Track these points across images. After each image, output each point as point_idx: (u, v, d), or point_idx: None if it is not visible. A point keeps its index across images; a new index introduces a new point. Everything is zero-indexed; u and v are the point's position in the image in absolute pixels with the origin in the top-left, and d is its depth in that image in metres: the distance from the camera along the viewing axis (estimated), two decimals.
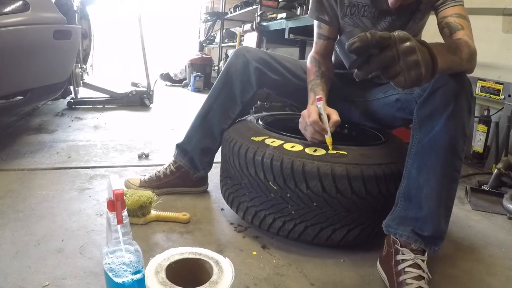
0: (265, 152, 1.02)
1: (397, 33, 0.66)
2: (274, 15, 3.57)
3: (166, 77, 5.38)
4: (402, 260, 0.90)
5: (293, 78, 1.27)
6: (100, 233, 1.08)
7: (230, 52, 5.55)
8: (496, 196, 1.59)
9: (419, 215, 0.90)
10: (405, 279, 0.86)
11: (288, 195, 1.00)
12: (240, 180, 1.10)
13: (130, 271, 0.62)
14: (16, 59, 1.63)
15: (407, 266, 0.88)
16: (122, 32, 5.99)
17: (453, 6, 1.02)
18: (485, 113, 2.05)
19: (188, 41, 6.66)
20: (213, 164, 1.38)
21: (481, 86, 2.03)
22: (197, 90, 4.77)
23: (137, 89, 3.37)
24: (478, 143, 2.07)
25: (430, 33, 1.23)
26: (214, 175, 1.44)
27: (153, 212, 1.18)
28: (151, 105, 3.31)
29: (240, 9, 4.34)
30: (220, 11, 5.19)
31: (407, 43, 0.65)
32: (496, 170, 1.66)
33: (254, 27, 3.74)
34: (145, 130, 2.41)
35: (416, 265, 0.88)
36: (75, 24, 2.29)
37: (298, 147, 1.01)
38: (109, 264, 0.63)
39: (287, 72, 1.27)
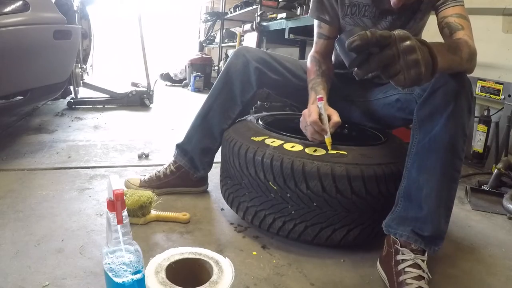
0: (265, 152, 1.02)
1: (397, 32, 0.66)
2: (274, 15, 3.57)
3: (166, 77, 5.38)
4: (402, 260, 0.90)
5: (293, 78, 1.27)
6: (100, 233, 1.08)
7: (230, 52, 5.55)
8: (496, 196, 1.59)
9: (419, 215, 0.90)
10: (405, 279, 0.86)
11: (288, 195, 1.00)
12: (240, 180, 1.10)
13: (130, 271, 0.62)
14: (16, 59, 1.63)
15: (407, 266, 0.88)
16: (122, 32, 5.99)
17: (453, 6, 1.02)
18: (485, 113, 2.05)
19: (188, 41, 6.66)
20: (213, 164, 1.38)
21: (481, 86, 2.03)
22: (197, 90, 4.77)
23: (137, 89, 3.37)
24: (478, 143, 2.07)
25: (430, 33, 1.23)
26: (214, 175, 1.44)
27: (153, 212, 1.18)
28: (151, 105, 3.31)
29: (240, 9, 4.34)
30: (220, 11, 5.19)
31: (407, 42, 0.65)
32: (496, 170, 1.66)
33: (254, 27, 3.74)
34: (145, 130, 2.41)
35: (416, 265, 0.88)
36: (75, 24, 2.30)
37: (298, 147, 1.01)
38: (109, 264, 0.63)
39: (287, 72, 1.27)
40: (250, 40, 3.90)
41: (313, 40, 1.27)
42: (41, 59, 1.78)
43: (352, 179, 0.95)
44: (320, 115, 1.02)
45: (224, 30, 5.26)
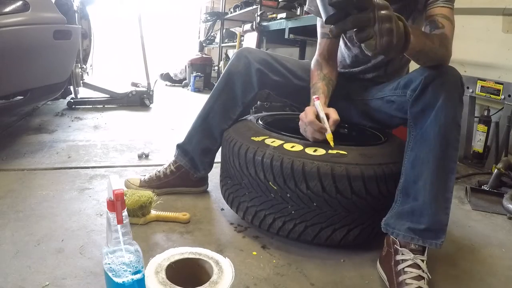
0: (265, 152, 1.02)
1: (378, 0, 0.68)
2: (274, 15, 3.57)
3: (166, 77, 5.38)
4: (402, 260, 0.90)
5: (294, 78, 1.28)
6: (100, 233, 1.08)
7: (230, 52, 5.57)
8: (496, 196, 1.59)
9: (415, 207, 0.91)
10: (405, 279, 0.86)
11: (288, 195, 1.00)
12: (240, 180, 1.10)
13: (130, 271, 0.62)
14: (16, 59, 1.63)
15: (407, 266, 0.88)
16: (122, 32, 5.99)
17: (441, 6, 1.03)
18: (485, 113, 2.05)
19: (188, 41, 6.66)
20: (213, 164, 1.38)
21: (481, 86, 2.03)
22: (197, 90, 4.77)
23: (137, 89, 3.37)
24: (478, 143, 2.07)
25: None
26: (214, 175, 1.44)
27: (153, 212, 1.18)
28: (151, 105, 3.31)
29: (240, 9, 4.34)
30: (220, 11, 5.19)
31: (386, 11, 0.67)
32: (496, 170, 1.66)
33: (254, 27, 3.74)
34: (145, 130, 2.41)
35: (415, 265, 0.88)
36: (75, 24, 2.30)
37: (298, 147, 1.01)
38: (109, 264, 0.63)
39: (288, 72, 1.27)
40: (250, 40, 3.90)
41: (313, 40, 1.27)
42: (41, 59, 1.78)
43: (352, 179, 0.95)
44: (317, 115, 1.02)
45: (224, 30, 5.26)
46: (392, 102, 1.09)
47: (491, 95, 1.99)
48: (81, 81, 2.98)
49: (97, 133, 2.25)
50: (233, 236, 1.13)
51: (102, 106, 3.13)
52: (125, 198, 0.67)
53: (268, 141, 1.05)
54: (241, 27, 4.53)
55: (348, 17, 0.66)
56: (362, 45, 0.70)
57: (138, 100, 3.25)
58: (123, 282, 0.61)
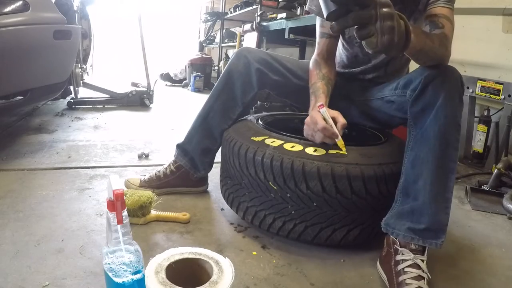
0: (265, 152, 1.02)
1: None
2: (274, 15, 3.57)
3: (166, 77, 5.38)
4: (402, 260, 0.90)
5: (294, 78, 1.28)
6: (100, 233, 1.08)
7: (230, 52, 5.56)
8: (496, 196, 1.59)
9: (415, 207, 0.91)
10: (405, 279, 0.86)
11: (288, 195, 1.00)
12: (240, 180, 1.10)
13: (130, 271, 0.62)
14: (16, 59, 1.63)
15: (407, 266, 0.88)
16: (122, 32, 5.99)
17: (442, 7, 1.04)
18: (485, 113, 2.05)
19: (188, 41, 6.66)
20: (213, 164, 1.38)
21: (481, 86, 2.03)
22: (197, 90, 4.77)
23: (137, 89, 3.37)
24: (478, 143, 2.07)
25: None
26: (214, 175, 1.44)
27: (153, 212, 1.18)
28: (151, 105, 3.31)
29: (240, 9, 4.34)
30: (220, 11, 5.19)
31: (387, 9, 0.67)
32: (496, 170, 1.66)
33: (254, 27, 3.74)
34: (145, 130, 2.41)
35: (415, 265, 0.88)
36: (75, 24, 2.30)
37: (298, 147, 1.01)
38: (109, 264, 0.63)
39: (288, 72, 1.27)
40: (250, 40, 3.90)
41: (313, 40, 1.27)
42: (41, 59, 1.78)
43: (352, 179, 0.95)
44: (325, 120, 1.01)
45: (224, 30, 5.26)
46: (392, 102, 1.09)
47: (491, 95, 1.99)
48: (81, 81, 2.98)
49: (97, 133, 2.25)
50: (233, 236, 1.13)
51: (102, 106, 3.13)
52: (125, 198, 0.67)
53: (268, 141, 1.05)
54: (241, 27, 4.53)
55: (349, 13, 0.66)
56: (363, 42, 0.70)
57: (138, 100, 3.25)
58: (123, 282, 0.61)
